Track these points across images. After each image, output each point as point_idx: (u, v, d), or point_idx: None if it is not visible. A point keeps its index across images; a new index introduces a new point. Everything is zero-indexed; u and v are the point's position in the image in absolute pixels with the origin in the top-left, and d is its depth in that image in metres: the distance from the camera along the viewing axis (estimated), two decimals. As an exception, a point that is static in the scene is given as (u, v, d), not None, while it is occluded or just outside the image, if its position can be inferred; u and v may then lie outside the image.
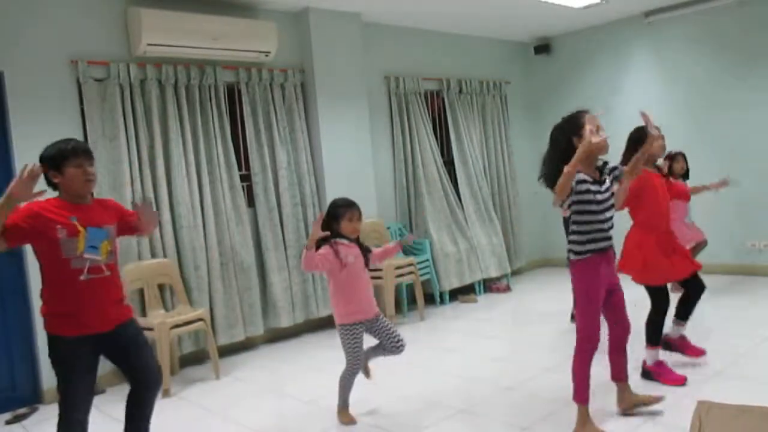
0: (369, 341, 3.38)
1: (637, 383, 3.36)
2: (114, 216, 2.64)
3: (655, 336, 3.54)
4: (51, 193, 2.48)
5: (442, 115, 6.70)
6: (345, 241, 3.24)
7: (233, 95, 5.12)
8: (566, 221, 5.13)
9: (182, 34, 4.46)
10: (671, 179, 4.14)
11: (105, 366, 4.24)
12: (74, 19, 4.28)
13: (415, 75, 6.27)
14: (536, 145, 7.70)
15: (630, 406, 3.11)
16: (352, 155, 5.63)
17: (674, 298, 3.61)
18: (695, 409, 2.36)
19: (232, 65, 4.98)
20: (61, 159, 2.42)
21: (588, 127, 2.72)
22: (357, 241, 3.32)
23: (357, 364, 3.26)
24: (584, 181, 2.79)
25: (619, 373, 3.12)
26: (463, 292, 6.26)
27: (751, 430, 1.98)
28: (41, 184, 2.36)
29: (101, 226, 2.51)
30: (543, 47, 7.45)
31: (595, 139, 2.65)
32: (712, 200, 5.53)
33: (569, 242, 2.93)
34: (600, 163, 2.93)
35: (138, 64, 4.48)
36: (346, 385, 3.31)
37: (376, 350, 3.44)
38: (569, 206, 2.86)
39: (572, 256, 2.90)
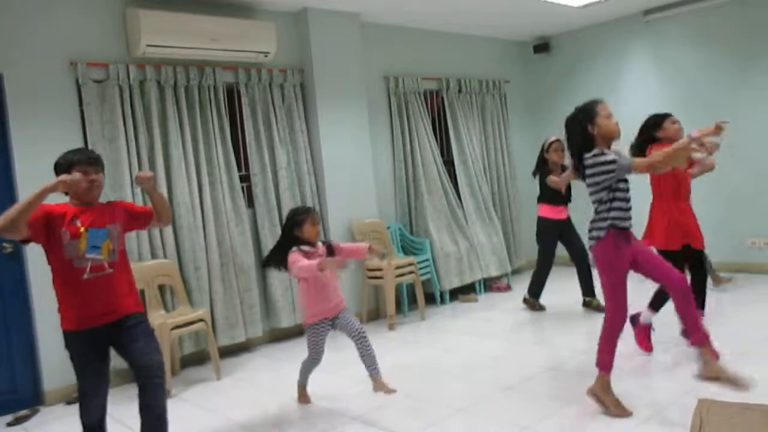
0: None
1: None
2: (119, 214, 2.83)
3: (660, 302, 3.77)
4: (63, 198, 2.74)
5: (441, 115, 6.70)
6: (306, 248, 3.39)
7: (232, 96, 5.12)
8: (542, 227, 5.23)
9: (181, 35, 4.46)
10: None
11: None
12: (73, 21, 4.28)
13: (415, 75, 6.27)
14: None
15: (713, 376, 3.04)
16: (352, 155, 5.63)
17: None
18: (696, 407, 2.37)
19: (232, 66, 4.98)
20: (68, 166, 2.69)
21: (603, 113, 2.95)
22: (320, 242, 3.50)
23: (317, 357, 3.53)
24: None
25: (693, 330, 3.11)
26: (463, 292, 6.26)
27: (751, 428, 1.98)
28: (107, 182, 2.62)
29: (102, 227, 2.70)
30: (542, 46, 7.45)
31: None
32: (712, 199, 5.54)
33: (592, 223, 3.06)
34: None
35: (137, 66, 4.48)
36: (304, 370, 3.63)
37: (363, 360, 3.50)
38: (600, 189, 2.97)
39: (594, 234, 3.03)
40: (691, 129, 3.87)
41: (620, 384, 3.29)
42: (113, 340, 2.75)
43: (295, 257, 3.32)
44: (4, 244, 4.04)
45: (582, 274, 5.31)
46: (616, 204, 3.00)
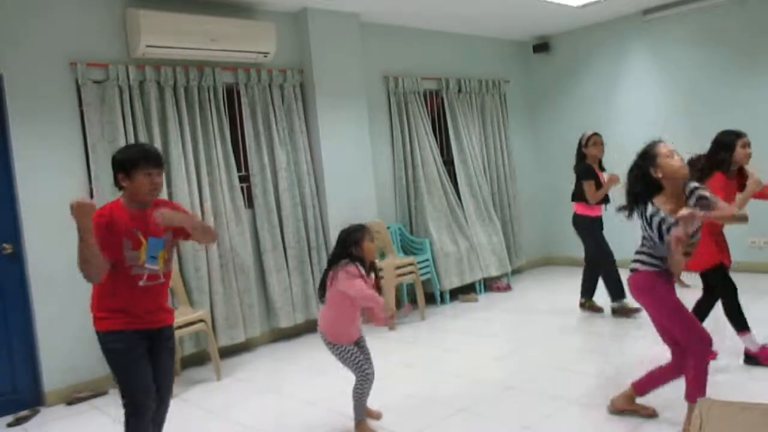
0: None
1: (740, 369, 3.45)
2: None
3: (740, 320, 3.54)
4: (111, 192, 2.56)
5: (441, 115, 6.70)
6: (361, 269, 3.08)
7: (232, 96, 5.11)
8: (576, 221, 5.07)
9: (181, 35, 4.46)
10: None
11: (106, 367, 4.26)
12: (73, 21, 4.28)
13: (414, 75, 6.27)
14: (535, 144, 7.73)
15: (622, 409, 3.08)
16: (352, 155, 5.63)
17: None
18: (696, 406, 2.36)
19: (231, 66, 4.98)
20: (131, 166, 2.49)
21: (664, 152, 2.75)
22: (368, 264, 3.17)
23: (365, 372, 3.12)
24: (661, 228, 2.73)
25: (642, 388, 3.04)
26: (463, 292, 6.26)
27: (752, 428, 1.98)
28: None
29: (159, 236, 2.58)
30: (542, 46, 7.45)
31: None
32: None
33: (641, 253, 2.88)
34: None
35: (137, 66, 4.48)
36: (359, 395, 3.14)
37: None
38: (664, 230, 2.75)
39: (642, 267, 2.85)
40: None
41: (621, 385, 3.29)
42: (150, 346, 2.62)
43: (353, 272, 3.02)
44: (4, 245, 4.04)
45: (588, 275, 5.19)
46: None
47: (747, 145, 3.57)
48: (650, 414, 3.05)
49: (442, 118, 6.69)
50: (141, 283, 2.54)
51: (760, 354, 3.55)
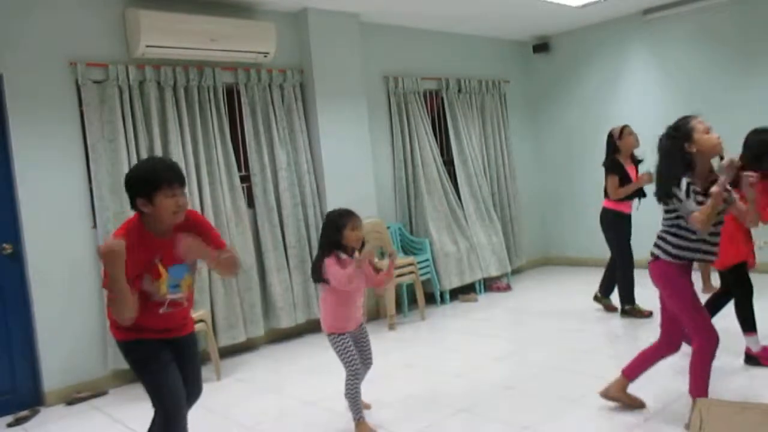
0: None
1: (740, 369, 3.47)
2: (193, 233, 2.40)
3: (750, 321, 3.54)
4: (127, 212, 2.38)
5: (441, 115, 6.70)
6: (344, 255, 3.11)
7: (232, 96, 5.11)
8: (604, 218, 4.92)
9: (181, 35, 4.46)
10: None
11: (106, 367, 4.26)
12: (73, 21, 4.28)
13: (414, 75, 6.27)
14: (535, 144, 7.73)
15: (614, 397, 3.11)
16: (352, 155, 5.63)
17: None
18: (696, 407, 2.36)
19: (231, 66, 4.98)
20: (153, 187, 2.21)
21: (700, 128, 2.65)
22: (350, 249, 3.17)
23: (355, 366, 3.13)
24: (698, 192, 2.66)
25: (632, 373, 3.08)
26: (463, 292, 6.26)
27: (751, 427, 1.98)
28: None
29: (182, 262, 2.36)
30: (542, 46, 7.45)
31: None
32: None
33: (663, 240, 2.83)
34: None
35: (137, 66, 4.48)
36: (351, 394, 3.13)
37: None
38: (677, 217, 2.75)
39: (663, 256, 2.80)
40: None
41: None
42: (176, 352, 2.46)
43: (329, 262, 3.04)
44: (4, 245, 4.04)
45: (609, 273, 5.09)
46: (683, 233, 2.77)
47: None
48: (639, 405, 3.08)
49: (442, 118, 6.69)
50: (162, 311, 2.34)
51: (760, 355, 3.56)
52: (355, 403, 3.14)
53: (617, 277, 4.95)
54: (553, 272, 7.23)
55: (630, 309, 4.85)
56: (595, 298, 5.22)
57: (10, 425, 3.80)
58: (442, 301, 6.09)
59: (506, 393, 3.58)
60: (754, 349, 3.56)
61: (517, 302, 5.97)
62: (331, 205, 5.45)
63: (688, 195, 2.63)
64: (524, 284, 6.75)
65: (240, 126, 5.16)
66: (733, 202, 2.71)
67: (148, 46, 4.35)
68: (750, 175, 2.67)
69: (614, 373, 3.26)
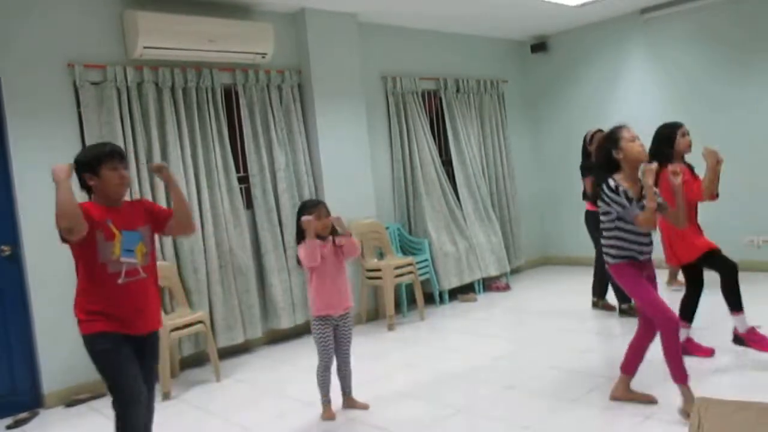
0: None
1: (738, 368, 3.51)
2: (145, 216, 2.65)
3: (737, 300, 3.65)
4: (82, 197, 2.52)
5: (439, 115, 6.70)
6: (319, 241, 3.34)
7: (230, 97, 5.11)
8: (588, 219, 5.00)
9: (179, 36, 4.46)
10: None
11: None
12: (71, 23, 4.28)
13: (412, 75, 6.27)
14: (534, 144, 7.74)
15: (623, 397, 3.18)
16: (350, 156, 5.63)
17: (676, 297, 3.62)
18: (695, 406, 2.36)
19: (229, 67, 4.98)
20: (97, 162, 2.48)
21: (626, 137, 2.97)
22: (328, 236, 3.44)
23: (327, 356, 3.38)
24: (627, 196, 2.91)
25: (629, 368, 3.18)
26: (462, 292, 6.26)
27: (750, 427, 1.98)
28: (74, 187, 2.41)
29: (135, 229, 2.54)
30: (540, 45, 7.46)
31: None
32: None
33: (606, 246, 3.07)
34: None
35: (135, 67, 4.48)
36: (322, 381, 3.41)
37: (339, 378, 3.52)
38: (613, 219, 3.00)
39: (610, 260, 3.06)
40: (689, 127, 3.90)
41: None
42: (137, 351, 2.55)
43: (299, 248, 3.33)
44: (3, 247, 4.03)
45: (599, 274, 5.11)
46: (623, 234, 3.01)
47: (686, 134, 3.71)
48: (649, 400, 3.11)
49: (440, 118, 6.69)
50: (120, 281, 2.46)
51: (746, 336, 3.63)
52: (323, 388, 3.42)
53: (609, 279, 4.97)
54: (552, 272, 7.23)
55: (627, 308, 4.86)
56: (594, 305, 5.23)
57: (9, 427, 3.80)
58: (442, 301, 6.09)
59: (506, 393, 3.58)
60: (741, 329, 3.66)
61: (517, 302, 5.97)
62: (330, 205, 5.44)
63: (630, 202, 2.89)
64: (523, 284, 6.75)
65: (238, 127, 5.16)
66: (667, 209, 3.01)
67: (146, 48, 4.35)
68: (649, 167, 2.93)
69: (614, 372, 3.27)
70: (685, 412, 2.86)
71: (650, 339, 3.11)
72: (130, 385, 2.46)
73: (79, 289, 2.51)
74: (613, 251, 3.03)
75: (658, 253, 3.42)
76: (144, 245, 2.56)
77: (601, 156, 3.07)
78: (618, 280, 3.09)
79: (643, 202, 2.90)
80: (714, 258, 3.64)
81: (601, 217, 3.07)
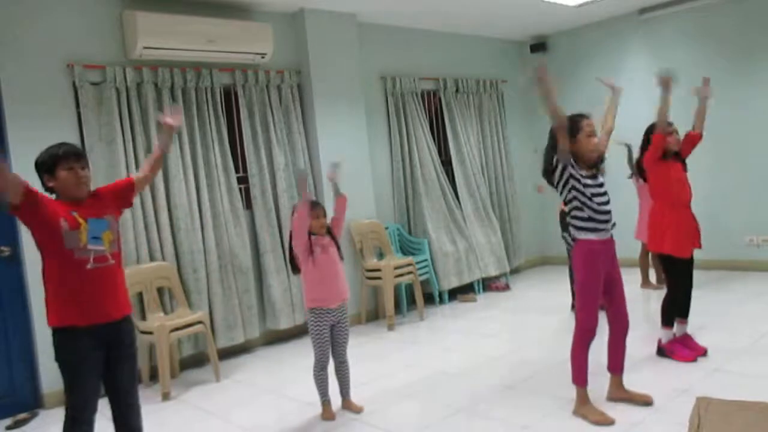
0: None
1: (737, 368, 3.53)
2: (111, 202, 2.67)
3: (670, 318, 3.75)
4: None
5: (439, 115, 6.70)
6: (313, 237, 3.42)
7: (230, 97, 5.11)
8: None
9: (178, 36, 4.46)
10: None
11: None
12: (70, 23, 4.28)
13: (412, 75, 6.28)
14: (533, 144, 7.73)
15: (618, 398, 3.19)
16: (350, 156, 5.62)
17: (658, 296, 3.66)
18: (694, 405, 2.37)
19: (229, 67, 4.98)
20: (52, 163, 2.50)
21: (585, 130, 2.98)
22: (327, 233, 3.48)
23: (323, 353, 3.36)
24: (576, 177, 2.97)
25: (614, 366, 3.22)
26: (462, 292, 6.26)
27: (749, 426, 1.99)
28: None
29: (101, 217, 2.56)
30: (539, 45, 7.46)
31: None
32: (709, 195, 5.54)
33: (568, 231, 3.12)
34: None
35: (134, 67, 4.48)
36: (319, 380, 3.41)
37: (338, 380, 3.52)
38: (567, 201, 3.06)
39: (571, 240, 3.09)
40: (688, 127, 3.93)
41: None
42: (110, 341, 2.53)
43: (292, 224, 3.41)
44: (2, 248, 4.03)
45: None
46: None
47: (672, 132, 3.96)
48: (645, 400, 3.12)
49: (439, 119, 6.69)
50: (89, 266, 2.46)
51: (667, 347, 3.76)
52: (321, 388, 3.42)
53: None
54: (552, 272, 7.23)
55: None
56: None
57: (8, 428, 3.80)
58: (441, 301, 6.09)
59: (506, 393, 3.58)
60: (664, 340, 3.79)
61: (516, 302, 5.97)
62: (330, 205, 5.45)
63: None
64: (523, 284, 6.75)
65: (238, 127, 5.16)
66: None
67: (145, 48, 4.35)
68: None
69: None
70: (580, 414, 3.01)
71: (622, 330, 3.15)
72: (78, 401, 2.49)
73: (48, 281, 2.49)
74: (577, 222, 3.02)
75: (625, 253, 3.47)
76: (111, 232, 2.57)
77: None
78: (575, 257, 3.06)
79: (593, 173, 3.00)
80: (678, 267, 3.72)
81: (565, 201, 3.10)
